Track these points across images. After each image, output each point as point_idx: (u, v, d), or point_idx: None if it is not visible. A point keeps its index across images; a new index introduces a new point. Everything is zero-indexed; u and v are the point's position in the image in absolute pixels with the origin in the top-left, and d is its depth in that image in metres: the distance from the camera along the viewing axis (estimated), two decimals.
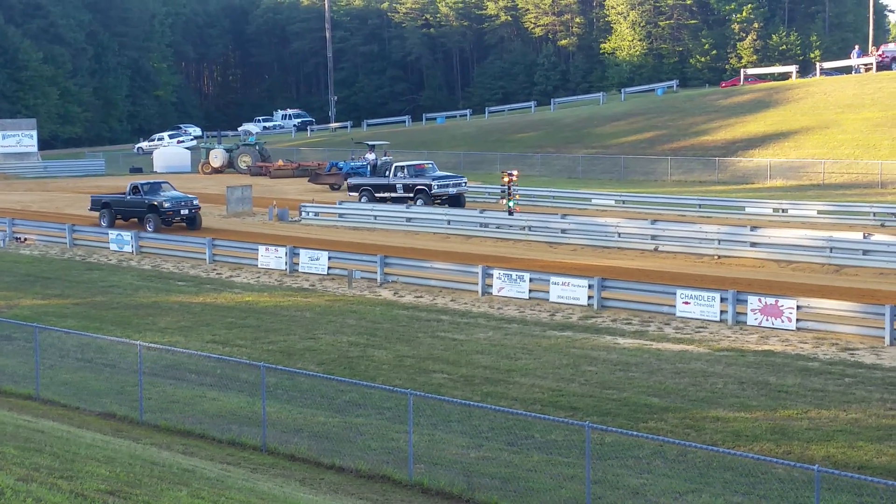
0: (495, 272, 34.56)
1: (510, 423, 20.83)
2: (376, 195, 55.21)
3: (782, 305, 28.78)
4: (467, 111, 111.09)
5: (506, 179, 48.39)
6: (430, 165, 57.07)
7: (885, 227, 45.31)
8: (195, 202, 50.08)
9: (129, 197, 50.34)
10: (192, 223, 49.52)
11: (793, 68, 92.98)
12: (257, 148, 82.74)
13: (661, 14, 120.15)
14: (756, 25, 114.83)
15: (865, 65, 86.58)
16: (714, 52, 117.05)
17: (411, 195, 53.84)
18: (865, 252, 36.89)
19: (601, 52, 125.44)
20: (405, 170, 55.21)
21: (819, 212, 49.37)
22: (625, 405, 22.40)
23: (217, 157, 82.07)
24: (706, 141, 77.70)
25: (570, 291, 32.63)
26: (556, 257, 41.24)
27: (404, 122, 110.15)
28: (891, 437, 19.81)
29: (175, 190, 51.49)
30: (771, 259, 38.50)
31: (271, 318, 32.09)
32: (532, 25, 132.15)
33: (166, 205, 49.06)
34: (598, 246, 42.92)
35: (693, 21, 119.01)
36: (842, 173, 64.57)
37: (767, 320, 28.82)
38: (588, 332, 29.15)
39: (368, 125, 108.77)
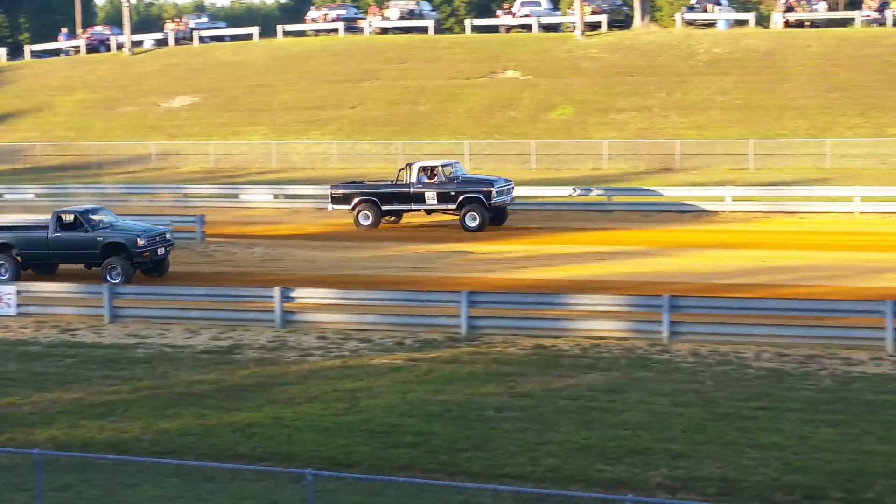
0: None
1: None
2: (384, 208, 39.87)
3: (2, 292, 28.37)
4: None
5: None
6: (458, 164, 41.22)
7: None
8: (168, 236, 33.16)
9: (57, 234, 32.20)
10: (160, 268, 33.01)
11: (2, 51, 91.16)
12: None
13: None
14: None
15: (75, 47, 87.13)
16: None
17: (452, 207, 39.13)
18: None
19: None
20: (433, 171, 39.23)
21: (37, 195, 49.40)
22: None
23: None
24: None
25: None
26: None
27: None
28: (112, 412, 20.32)
29: (115, 216, 33.97)
30: None
31: None
32: None
33: (141, 243, 31.59)
34: None
35: None
36: (58, 155, 64.66)
37: None
38: None
39: None
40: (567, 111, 61.27)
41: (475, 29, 76.01)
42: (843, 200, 41.23)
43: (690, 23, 71.18)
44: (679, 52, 65.81)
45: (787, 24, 69.17)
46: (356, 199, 39.90)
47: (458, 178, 39.22)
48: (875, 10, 68.92)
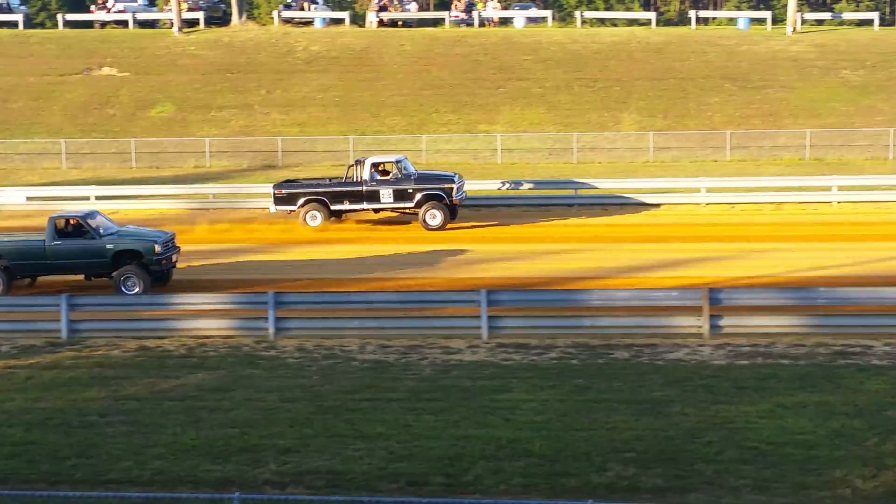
0: None
1: None
2: (333, 207, 37.43)
3: None
4: None
5: None
6: (405, 159, 38.98)
7: None
8: (174, 241, 30.08)
9: (56, 243, 28.68)
10: (167, 275, 29.80)
11: None
12: None
13: None
14: None
15: None
16: None
17: (410, 205, 37.13)
18: None
19: None
20: (387, 168, 37.69)
21: None
22: None
23: None
24: None
25: None
26: None
27: None
28: None
29: (110, 221, 30.51)
30: None
31: None
32: None
33: (159, 249, 28.64)
34: None
35: None
36: None
37: None
38: None
39: None
40: (167, 109, 60.33)
41: (68, 24, 73.39)
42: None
43: (288, 21, 71.76)
44: (278, 49, 66.20)
45: (382, 24, 71.01)
46: (302, 199, 37.66)
47: (413, 175, 37.82)
48: (462, 11, 71.99)
